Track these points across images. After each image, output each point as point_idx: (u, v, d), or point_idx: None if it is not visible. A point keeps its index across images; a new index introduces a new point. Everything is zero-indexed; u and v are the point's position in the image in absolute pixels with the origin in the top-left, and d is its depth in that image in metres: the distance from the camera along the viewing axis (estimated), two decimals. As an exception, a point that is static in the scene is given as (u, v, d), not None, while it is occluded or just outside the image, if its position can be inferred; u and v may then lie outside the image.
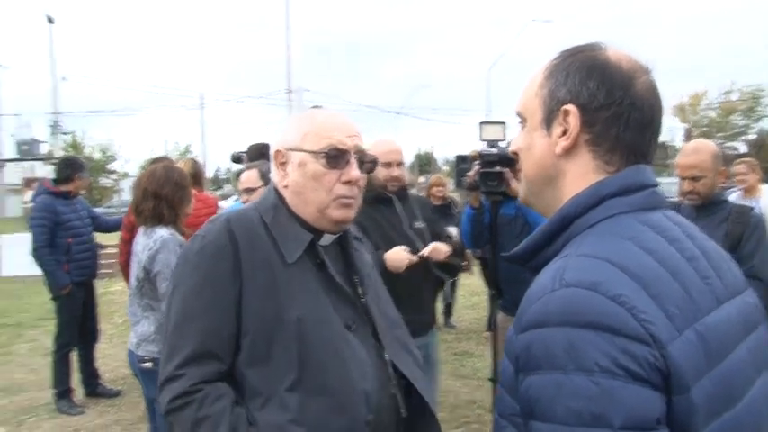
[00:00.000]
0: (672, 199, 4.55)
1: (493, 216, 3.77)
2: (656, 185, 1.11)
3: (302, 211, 1.65)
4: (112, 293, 10.34)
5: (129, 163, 38.43)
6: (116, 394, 5.60)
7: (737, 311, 1.06)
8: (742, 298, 1.10)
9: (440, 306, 8.02)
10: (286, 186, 1.67)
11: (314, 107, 2.27)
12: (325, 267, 1.63)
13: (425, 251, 3.31)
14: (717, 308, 1.01)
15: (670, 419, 0.89)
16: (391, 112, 43.90)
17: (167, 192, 3.29)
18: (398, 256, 3.19)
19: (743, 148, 42.51)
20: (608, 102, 1.06)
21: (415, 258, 3.21)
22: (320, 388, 1.51)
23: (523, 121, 1.18)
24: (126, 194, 43.67)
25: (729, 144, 43.82)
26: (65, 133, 34.07)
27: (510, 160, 3.52)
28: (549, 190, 1.15)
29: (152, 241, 3.19)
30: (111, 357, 6.69)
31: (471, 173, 3.61)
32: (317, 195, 1.62)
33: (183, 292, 1.57)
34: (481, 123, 3.66)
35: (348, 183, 1.62)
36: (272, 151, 1.72)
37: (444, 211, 7.59)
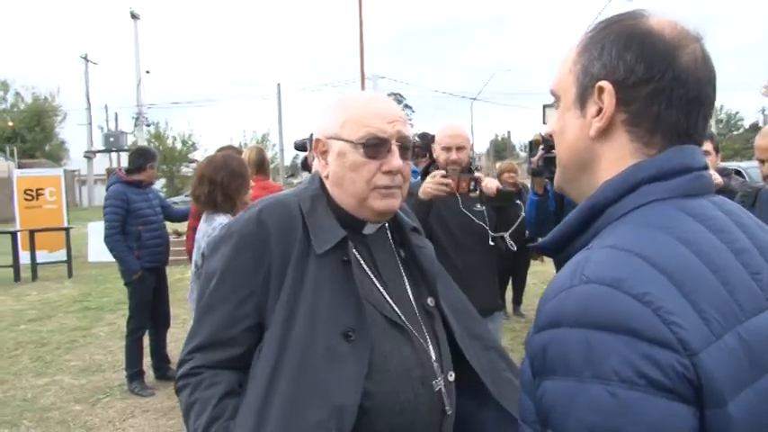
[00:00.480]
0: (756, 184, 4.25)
1: (558, 203, 3.62)
2: (704, 168, 0.97)
3: (343, 201, 1.59)
4: (186, 279, 10.61)
5: (209, 152, 39.61)
6: (185, 378, 5.73)
7: None
8: None
9: (509, 294, 7.88)
10: (327, 176, 1.61)
11: (390, 94, 2.16)
12: (349, 266, 1.53)
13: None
14: (765, 309, 0.86)
15: None
16: (465, 97, 43.44)
17: (222, 178, 3.30)
18: (433, 179, 3.21)
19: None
20: (647, 76, 0.93)
21: (447, 183, 3.21)
22: (287, 397, 1.42)
23: (557, 100, 1.06)
24: (206, 183, 45.15)
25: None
26: (148, 125, 35.46)
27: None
28: (583, 176, 1.02)
29: (211, 228, 3.21)
30: (182, 342, 6.80)
31: (535, 158, 3.46)
32: (356, 186, 1.55)
33: (209, 281, 1.56)
34: (545, 106, 3.50)
35: (389, 173, 1.54)
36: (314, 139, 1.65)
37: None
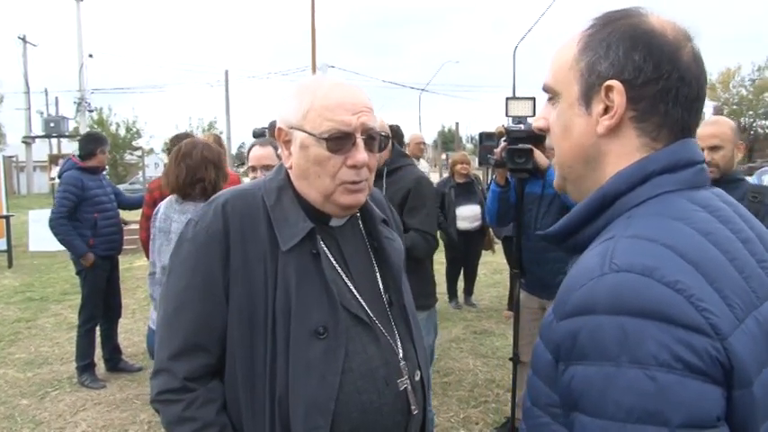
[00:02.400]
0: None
1: (518, 194, 3.69)
2: (704, 161, 1.01)
3: (308, 194, 1.53)
4: (136, 269, 10.44)
5: (154, 139, 38.73)
6: (138, 370, 5.63)
7: None
8: None
9: (461, 284, 7.98)
10: (290, 167, 1.54)
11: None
12: (319, 260, 1.48)
13: None
14: None
15: (729, 416, 0.80)
16: (414, 88, 43.60)
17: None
18: None
19: (775, 128, 41.64)
20: (655, 76, 0.96)
21: None
22: (260, 398, 1.44)
23: (554, 96, 1.07)
24: (150, 171, 44.01)
25: (761, 122, 42.91)
26: (91, 110, 34.37)
27: (538, 137, 3.42)
28: (589, 172, 1.04)
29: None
30: (133, 332, 6.74)
31: (498, 149, 3.52)
32: (321, 181, 1.48)
33: (176, 280, 1.51)
34: (508, 99, 3.57)
35: (354, 167, 1.47)
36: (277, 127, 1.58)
37: (468, 188, 7.50)
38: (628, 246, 0.87)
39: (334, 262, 1.54)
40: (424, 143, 8.00)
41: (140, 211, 5.02)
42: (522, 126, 3.45)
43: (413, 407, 1.54)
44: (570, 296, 0.87)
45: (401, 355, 1.55)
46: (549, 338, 0.91)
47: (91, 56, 34.65)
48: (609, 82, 0.98)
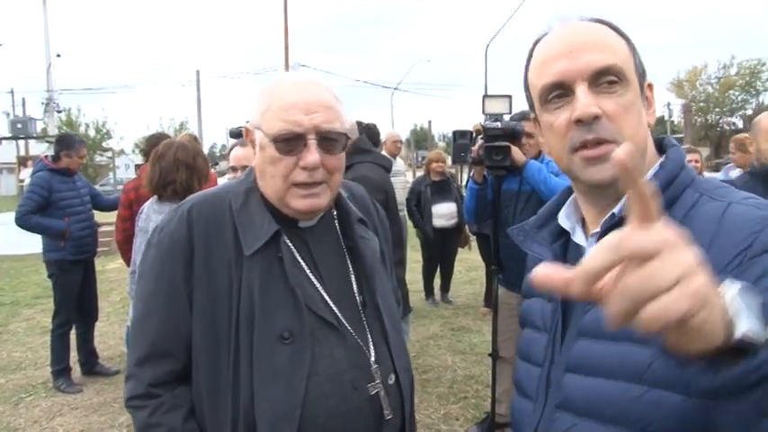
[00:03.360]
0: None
1: (496, 191, 3.72)
2: None
3: (269, 196, 1.50)
4: (109, 272, 10.30)
5: (125, 140, 38.26)
6: (115, 373, 5.56)
7: None
8: None
9: (437, 281, 8.03)
10: (254, 166, 1.54)
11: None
12: (283, 264, 1.45)
13: None
14: None
15: None
16: (386, 86, 43.68)
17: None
18: None
19: (740, 124, 42.50)
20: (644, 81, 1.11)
21: None
22: (224, 406, 1.42)
23: (621, 81, 1.05)
24: (121, 172, 43.37)
25: (726, 119, 43.78)
26: (59, 111, 33.81)
27: (516, 133, 3.46)
28: (642, 162, 1.09)
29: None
30: (109, 335, 6.67)
31: (475, 147, 3.55)
32: (275, 182, 1.46)
33: (144, 285, 1.51)
34: (484, 97, 3.60)
35: (305, 168, 1.43)
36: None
37: (443, 186, 7.55)
38: (756, 201, 1.00)
39: (303, 264, 1.51)
40: (401, 141, 8.03)
41: (115, 212, 4.99)
42: (498, 123, 3.48)
43: (386, 411, 1.50)
44: (754, 240, 0.92)
45: (373, 358, 1.51)
46: (747, 280, 0.92)
47: (59, 55, 34.03)
48: (649, 81, 1.11)
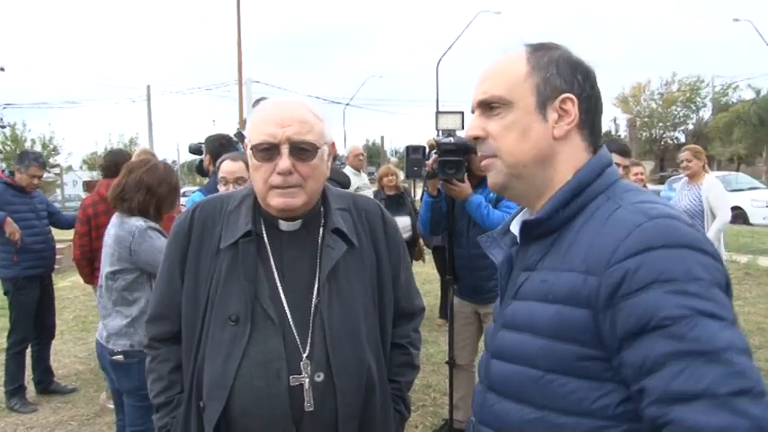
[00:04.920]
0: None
1: (449, 204, 3.87)
2: None
3: (258, 198, 1.77)
4: (61, 289, 10.03)
5: (72, 156, 37.36)
6: (71, 391, 5.49)
7: None
8: None
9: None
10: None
11: (258, 100, 2.33)
12: (238, 257, 1.72)
13: None
14: None
15: None
16: (338, 102, 43.82)
17: (162, 191, 3.19)
18: None
19: (682, 138, 43.98)
20: (590, 93, 1.25)
21: None
22: (189, 370, 1.77)
23: (502, 106, 1.26)
24: (69, 188, 42.26)
25: (670, 134, 45.25)
26: (3, 126, 32.93)
27: (468, 148, 3.62)
28: (541, 171, 1.26)
29: (127, 233, 3.06)
30: (63, 354, 6.56)
31: (430, 161, 3.69)
32: (258, 186, 1.73)
33: (161, 263, 1.88)
34: (438, 113, 3.74)
35: (280, 174, 1.65)
36: None
37: (398, 200, 7.65)
38: (644, 206, 1.12)
39: (272, 261, 1.75)
40: (363, 155, 8.12)
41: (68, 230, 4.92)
42: (451, 139, 3.62)
43: (306, 403, 1.66)
44: (619, 246, 1.08)
45: (306, 354, 1.68)
46: (580, 296, 1.11)
47: (2, 69, 33.26)
48: (566, 95, 1.23)
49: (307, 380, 1.66)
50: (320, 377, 1.68)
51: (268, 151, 1.65)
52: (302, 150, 1.67)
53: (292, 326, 1.70)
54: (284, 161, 1.64)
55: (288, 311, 1.71)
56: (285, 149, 1.65)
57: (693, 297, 1.01)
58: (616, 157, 4.85)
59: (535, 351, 1.16)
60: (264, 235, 1.76)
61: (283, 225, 1.77)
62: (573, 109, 1.23)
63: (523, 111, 1.24)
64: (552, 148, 1.24)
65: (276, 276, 1.73)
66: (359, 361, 1.74)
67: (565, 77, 1.23)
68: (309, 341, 1.69)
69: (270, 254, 1.75)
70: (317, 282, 1.74)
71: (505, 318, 1.27)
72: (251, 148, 1.69)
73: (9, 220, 5.05)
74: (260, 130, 1.67)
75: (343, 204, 1.86)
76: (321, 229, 1.80)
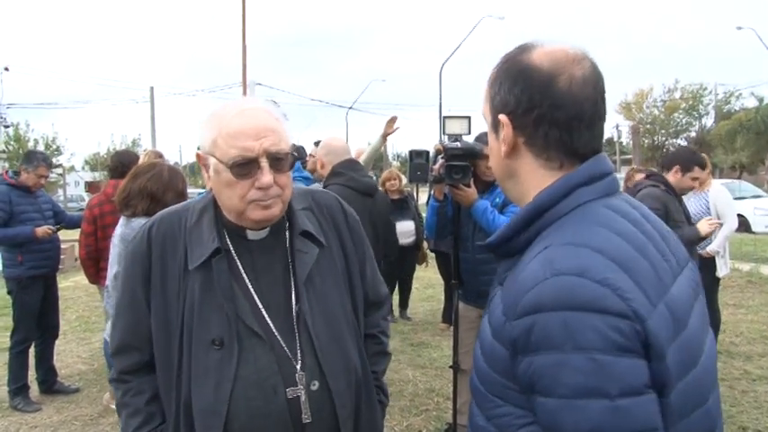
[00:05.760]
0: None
1: (455, 208, 3.87)
2: (614, 172, 1.21)
3: (226, 212, 1.67)
4: (64, 290, 10.06)
5: (75, 157, 37.38)
6: (74, 391, 5.50)
7: (687, 283, 1.16)
8: (687, 270, 1.20)
9: (396, 298, 8.14)
10: (210, 190, 1.70)
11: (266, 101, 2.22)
12: (211, 277, 1.63)
13: None
14: (674, 282, 1.11)
15: (652, 383, 0.99)
16: (341, 106, 43.85)
17: (168, 199, 3.18)
18: None
19: (684, 145, 43.91)
20: (530, 106, 1.15)
21: None
22: (170, 400, 1.65)
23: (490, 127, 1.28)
24: (71, 189, 42.28)
25: (672, 141, 45.24)
26: (7, 126, 32.99)
27: (475, 153, 3.63)
28: (512, 186, 1.26)
29: (133, 231, 3.01)
30: (67, 354, 6.58)
31: (436, 166, 3.70)
32: (232, 202, 1.61)
33: (118, 291, 1.78)
34: (445, 117, 3.75)
35: (261, 189, 1.58)
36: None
37: (401, 204, 7.67)
38: (563, 252, 1.04)
39: (244, 275, 1.67)
40: (371, 160, 8.12)
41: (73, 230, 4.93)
42: (458, 143, 3.63)
43: (304, 416, 1.62)
44: (521, 299, 1.04)
45: (299, 365, 1.64)
46: (504, 337, 1.08)
47: (7, 69, 33.35)
48: (500, 116, 1.19)
49: (303, 390, 1.63)
50: (315, 385, 1.65)
51: (245, 166, 1.56)
52: (279, 161, 1.60)
53: (279, 338, 1.64)
54: (266, 176, 1.56)
55: (271, 324, 1.65)
56: (265, 163, 1.57)
57: (571, 371, 0.96)
58: (696, 171, 4.85)
59: (481, 367, 1.17)
60: (231, 248, 1.68)
61: (251, 234, 1.70)
62: (506, 130, 1.18)
63: (491, 130, 1.26)
64: (508, 166, 1.23)
65: (252, 290, 1.66)
66: (347, 362, 1.73)
67: (503, 95, 1.19)
68: (299, 350, 1.65)
69: (241, 267, 1.67)
70: (293, 288, 1.70)
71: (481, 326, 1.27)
72: (222, 165, 1.57)
73: (37, 230, 5.13)
74: (231, 144, 1.55)
75: (305, 203, 1.81)
76: (287, 233, 1.75)
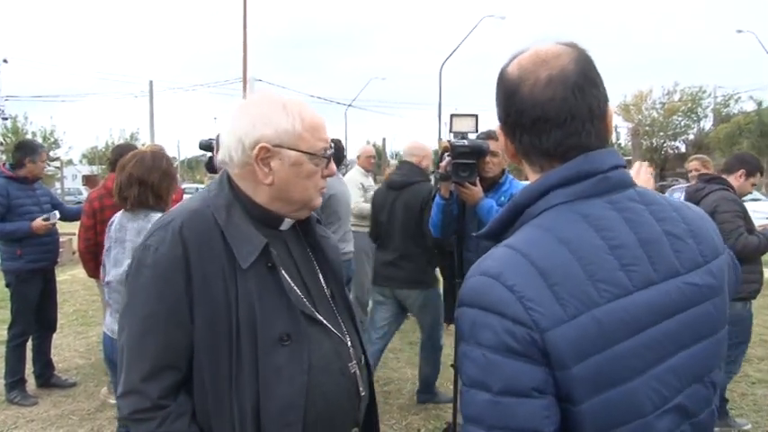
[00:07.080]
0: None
1: (461, 206, 3.85)
2: (612, 168, 1.14)
3: (278, 206, 1.65)
4: (61, 283, 9.99)
5: (73, 150, 37.31)
6: (71, 385, 5.46)
7: (663, 294, 1.08)
8: (679, 280, 1.11)
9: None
10: (270, 184, 1.61)
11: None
12: (275, 271, 1.59)
13: None
14: (629, 294, 1.05)
15: (557, 389, 1.02)
16: (340, 103, 43.86)
17: (154, 179, 3.20)
18: None
19: (683, 148, 44.03)
20: (506, 115, 1.20)
21: None
22: (226, 407, 1.54)
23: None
24: (69, 182, 42.20)
25: (670, 143, 45.31)
26: (5, 118, 32.92)
27: (481, 151, 3.61)
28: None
29: (149, 224, 3.01)
30: (64, 347, 6.54)
31: (443, 163, 3.68)
32: (307, 193, 1.66)
33: (140, 306, 1.56)
34: (452, 115, 3.72)
35: (327, 176, 1.70)
36: (240, 143, 1.59)
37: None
38: (498, 253, 1.11)
39: (288, 268, 1.67)
40: (374, 156, 8.09)
41: (71, 222, 4.88)
42: (465, 141, 3.61)
43: (360, 389, 1.73)
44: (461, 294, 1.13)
45: (349, 343, 1.74)
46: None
47: (5, 61, 33.33)
48: (498, 126, 1.26)
49: (356, 366, 1.73)
50: (363, 360, 1.78)
51: (327, 158, 1.68)
52: (335, 152, 1.74)
53: (329, 324, 1.70)
54: (333, 164, 1.70)
55: (320, 309, 1.71)
56: (331, 154, 1.70)
57: (470, 362, 1.05)
58: (758, 177, 4.82)
59: None
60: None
61: (285, 224, 1.72)
62: (501, 138, 1.26)
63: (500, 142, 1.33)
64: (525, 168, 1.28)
65: (302, 278, 1.71)
66: (361, 334, 1.85)
67: (496, 105, 1.24)
68: (345, 330, 1.75)
69: (282, 258, 1.66)
70: (319, 272, 1.78)
71: None
72: (307, 156, 1.60)
73: (33, 224, 5.07)
74: (317, 136, 1.63)
75: None
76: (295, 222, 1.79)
